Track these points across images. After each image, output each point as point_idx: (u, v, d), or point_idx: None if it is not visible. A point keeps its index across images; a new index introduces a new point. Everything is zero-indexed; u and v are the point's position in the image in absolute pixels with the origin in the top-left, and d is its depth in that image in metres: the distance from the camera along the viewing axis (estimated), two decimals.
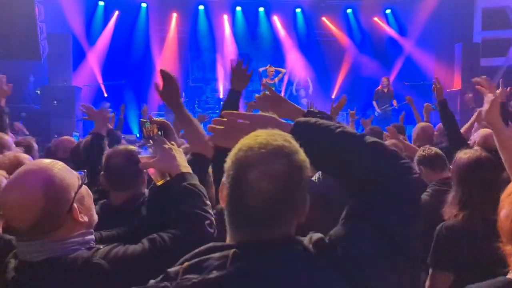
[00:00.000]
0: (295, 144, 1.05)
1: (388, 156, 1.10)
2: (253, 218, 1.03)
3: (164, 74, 1.99)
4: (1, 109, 3.12)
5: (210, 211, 1.52)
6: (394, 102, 10.77)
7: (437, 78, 4.03)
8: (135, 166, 2.07)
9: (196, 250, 1.05)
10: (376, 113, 10.60)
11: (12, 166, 2.32)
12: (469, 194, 2.18)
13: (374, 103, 10.88)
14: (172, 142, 1.66)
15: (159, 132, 1.73)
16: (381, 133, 4.69)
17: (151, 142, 1.67)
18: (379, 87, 10.97)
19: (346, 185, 1.12)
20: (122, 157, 2.12)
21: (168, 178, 1.59)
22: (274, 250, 1.01)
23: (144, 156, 1.63)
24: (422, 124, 4.61)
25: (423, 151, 3.06)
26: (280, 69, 11.34)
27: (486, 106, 1.92)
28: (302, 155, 1.04)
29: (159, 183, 1.61)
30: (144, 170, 2.13)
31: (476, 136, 3.48)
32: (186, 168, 1.59)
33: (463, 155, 2.29)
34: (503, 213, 1.26)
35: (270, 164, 1.00)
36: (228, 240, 1.06)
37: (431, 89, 3.74)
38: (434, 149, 3.07)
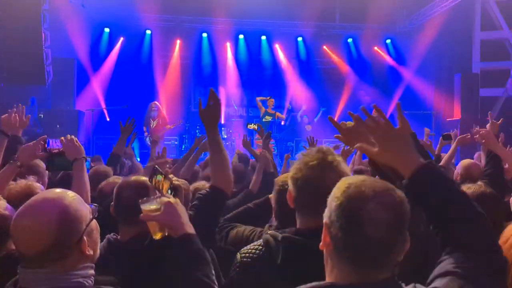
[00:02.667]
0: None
1: (486, 231, 1.18)
2: (371, 251, 1.05)
3: (212, 94, 1.99)
4: (19, 139, 3.08)
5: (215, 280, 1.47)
6: None
7: (398, 103, 4.03)
8: None
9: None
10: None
11: (23, 194, 2.30)
12: None
13: None
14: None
15: (169, 191, 1.65)
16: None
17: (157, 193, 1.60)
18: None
19: (442, 240, 1.19)
20: (133, 190, 1.96)
21: (166, 234, 1.51)
22: None
23: (147, 206, 1.51)
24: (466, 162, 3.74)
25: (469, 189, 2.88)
26: (266, 98, 11.31)
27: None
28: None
29: (157, 236, 1.52)
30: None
31: (459, 168, 3.48)
32: (190, 228, 1.50)
33: (466, 189, 2.28)
34: (504, 242, 1.28)
35: (386, 196, 1.07)
36: (336, 278, 1.08)
37: (430, 118, 3.78)
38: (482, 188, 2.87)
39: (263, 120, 11.33)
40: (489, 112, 4.00)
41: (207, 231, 1.94)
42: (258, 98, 11.43)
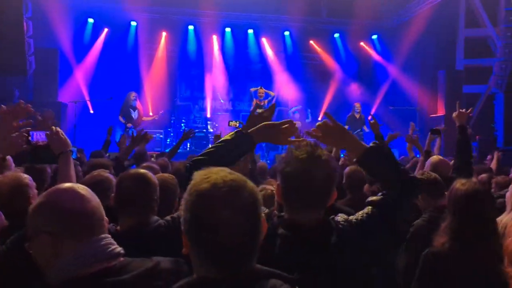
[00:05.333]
0: (239, 174, 1.14)
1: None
2: (231, 254, 1.07)
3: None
4: None
5: None
6: (365, 128, 10.92)
7: (372, 114, 4.23)
8: (146, 191, 2.06)
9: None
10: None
11: (12, 186, 2.32)
12: (463, 225, 2.19)
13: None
14: None
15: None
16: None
17: None
18: (351, 113, 11.19)
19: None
20: (133, 181, 2.07)
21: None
22: (250, 282, 1.07)
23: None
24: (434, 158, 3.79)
25: (423, 175, 2.98)
26: (270, 92, 11.45)
27: None
28: (250, 182, 1.13)
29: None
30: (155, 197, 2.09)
31: (428, 164, 3.50)
32: None
33: (461, 186, 2.30)
34: (507, 236, 1.31)
35: (237, 200, 1.08)
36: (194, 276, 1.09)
37: (415, 114, 3.87)
38: (434, 175, 2.98)
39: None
40: (457, 102, 4.05)
41: None
42: (252, 90, 11.43)
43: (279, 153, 9.55)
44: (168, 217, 2.09)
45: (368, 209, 1.66)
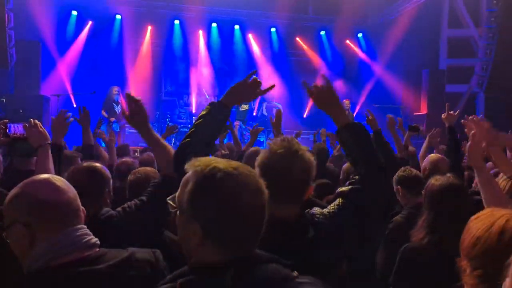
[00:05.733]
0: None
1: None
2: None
3: (130, 99, 2.01)
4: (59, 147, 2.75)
5: None
6: None
7: (369, 110, 4.35)
8: (96, 184, 2.06)
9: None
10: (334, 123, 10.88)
11: None
12: (439, 220, 2.23)
13: None
14: None
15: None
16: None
17: None
18: None
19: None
20: (84, 174, 2.07)
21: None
22: (252, 266, 1.09)
23: None
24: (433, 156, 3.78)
25: (404, 171, 3.02)
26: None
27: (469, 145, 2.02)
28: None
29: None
30: (107, 189, 2.09)
31: (426, 162, 3.57)
32: None
33: (435, 181, 2.34)
34: (465, 230, 1.35)
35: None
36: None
37: (398, 112, 3.94)
38: (415, 171, 3.04)
39: (240, 109, 11.30)
40: (446, 104, 4.16)
41: (161, 214, 2.03)
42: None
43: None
44: (119, 208, 2.08)
45: (338, 200, 1.69)
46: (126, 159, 3.78)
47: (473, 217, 1.38)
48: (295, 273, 1.10)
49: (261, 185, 1.12)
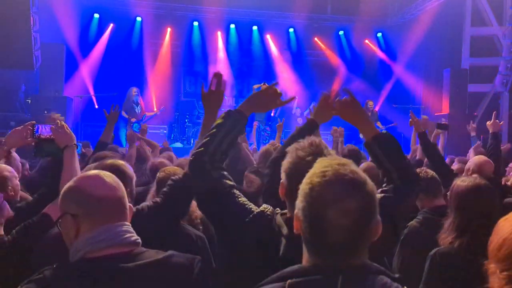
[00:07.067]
0: (361, 173, 1.13)
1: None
2: (335, 251, 1.09)
3: (218, 77, 2.00)
4: None
5: None
6: (379, 124, 10.97)
7: (412, 112, 4.37)
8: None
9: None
10: (361, 135, 10.78)
11: None
12: (467, 222, 2.18)
13: None
14: None
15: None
16: (357, 151, 4.65)
17: None
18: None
19: (384, 174, 1.75)
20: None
21: None
22: (361, 276, 1.08)
23: None
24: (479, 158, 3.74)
25: (420, 173, 2.92)
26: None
27: None
28: (370, 183, 1.12)
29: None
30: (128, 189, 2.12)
31: (471, 163, 3.51)
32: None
33: (461, 182, 2.29)
34: (493, 232, 1.32)
35: (347, 201, 1.06)
36: (306, 263, 1.12)
37: (418, 112, 3.95)
38: (431, 173, 2.95)
39: None
40: (494, 112, 4.36)
41: (177, 211, 2.06)
42: (254, 86, 11.44)
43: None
44: (133, 209, 2.10)
45: None
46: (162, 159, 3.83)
47: (502, 219, 1.35)
48: None
49: None
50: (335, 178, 1.08)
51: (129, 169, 2.18)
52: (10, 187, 2.42)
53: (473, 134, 5.05)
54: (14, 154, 3.30)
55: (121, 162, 2.21)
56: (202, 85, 2.03)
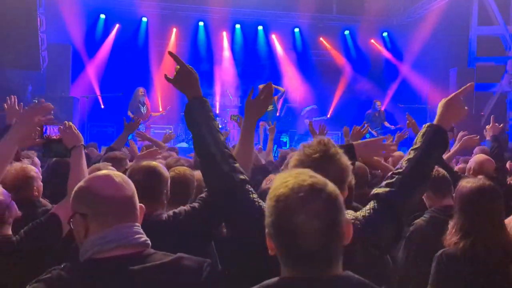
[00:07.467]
0: (320, 177, 1.14)
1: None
2: (310, 260, 1.09)
3: (269, 87, 1.97)
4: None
5: None
6: (386, 123, 10.93)
7: (408, 114, 4.43)
8: (153, 184, 2.13)
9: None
10: (368, 135, 10.74)
11: (18, 177, 2.41)
12: (472, 223, 2.18)
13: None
14: None
15: None
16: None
17: None
18: (370, 110, 11.18)
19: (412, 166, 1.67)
20: (142, 173, 2.12)
21: None
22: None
23: None
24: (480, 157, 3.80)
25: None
26: (280, 87, 11.45)
27: None
28: (331, 185, 1.13)
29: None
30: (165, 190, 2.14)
31: (472, 162, 3.52)
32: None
33: (465, 183, 2.28)
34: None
35: (312, 204, 1.08)
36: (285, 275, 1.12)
37: (425, 112, 3.97)
38: (442, 172, 2.89)
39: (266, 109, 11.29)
40: (492, 116, 4.37)
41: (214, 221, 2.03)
42: (260, 86, 11.43)
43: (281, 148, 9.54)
44: (170, 212, 2.07)
45: (373, 203, 1.62)
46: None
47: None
48: None
49: None
50: (297, 185, 1.09)
51: (165, 171, 2.18)
52: (35, 187, 2.47)
53: (488, 138, 5.03)
54: (36, 160, 3.38)
55: (156, 163, 2.22)
56: (251, 89, 1.99)
